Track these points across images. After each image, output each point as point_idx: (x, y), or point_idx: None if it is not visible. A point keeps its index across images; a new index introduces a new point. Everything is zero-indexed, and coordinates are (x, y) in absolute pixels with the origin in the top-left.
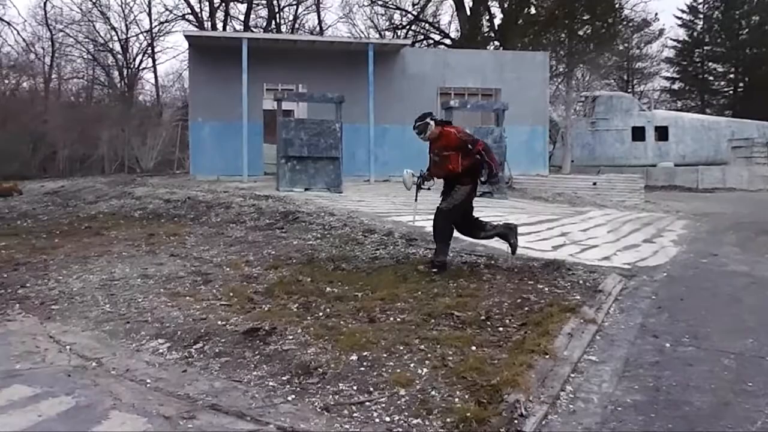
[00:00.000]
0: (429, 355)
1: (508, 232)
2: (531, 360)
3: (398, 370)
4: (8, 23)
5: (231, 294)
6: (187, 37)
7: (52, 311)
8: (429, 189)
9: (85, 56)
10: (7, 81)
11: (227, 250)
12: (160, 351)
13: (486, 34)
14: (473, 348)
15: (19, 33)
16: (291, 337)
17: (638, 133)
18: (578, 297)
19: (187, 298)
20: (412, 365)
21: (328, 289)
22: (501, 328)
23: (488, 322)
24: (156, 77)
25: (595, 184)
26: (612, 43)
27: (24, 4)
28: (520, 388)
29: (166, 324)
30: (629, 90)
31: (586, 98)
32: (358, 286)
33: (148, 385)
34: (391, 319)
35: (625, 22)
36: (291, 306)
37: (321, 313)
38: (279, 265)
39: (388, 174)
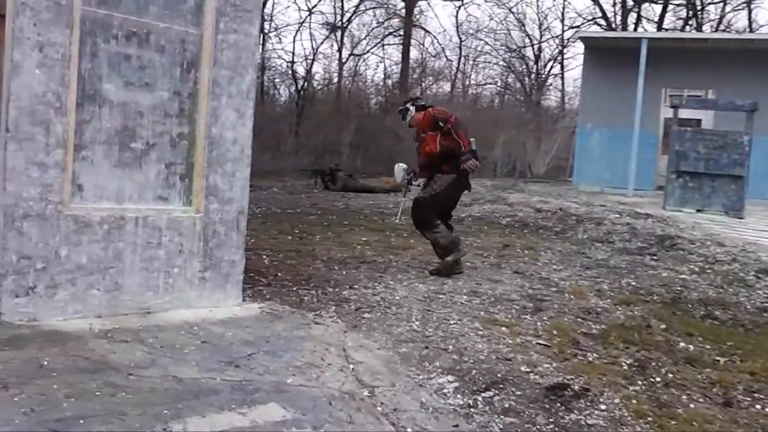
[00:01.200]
0: None
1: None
2: None
3: None
4: (430, 32)
5: (555, 332)
6: (582, 39)
7: (362, 320)
8: (419, 186)
9: (500, 63)
10: (420, 86)
11: (581, 274)
12: (444, 391)
13: None
14: None
15: (439, 42)
16: (604, 406)
17: None
18: None
19: (503, 328)
20: None
21: (681, 344)
22: None
23: None
24: (563, 83)
25: None
26: None
27: (446, 12)
28: None
29: (464, 357)
30: None
31: None
32: (725, 346)
33: None
34: (758, 407)
35: None
36: (622, 361)
37: (659, 378)
38: (633, 301)
39: None
